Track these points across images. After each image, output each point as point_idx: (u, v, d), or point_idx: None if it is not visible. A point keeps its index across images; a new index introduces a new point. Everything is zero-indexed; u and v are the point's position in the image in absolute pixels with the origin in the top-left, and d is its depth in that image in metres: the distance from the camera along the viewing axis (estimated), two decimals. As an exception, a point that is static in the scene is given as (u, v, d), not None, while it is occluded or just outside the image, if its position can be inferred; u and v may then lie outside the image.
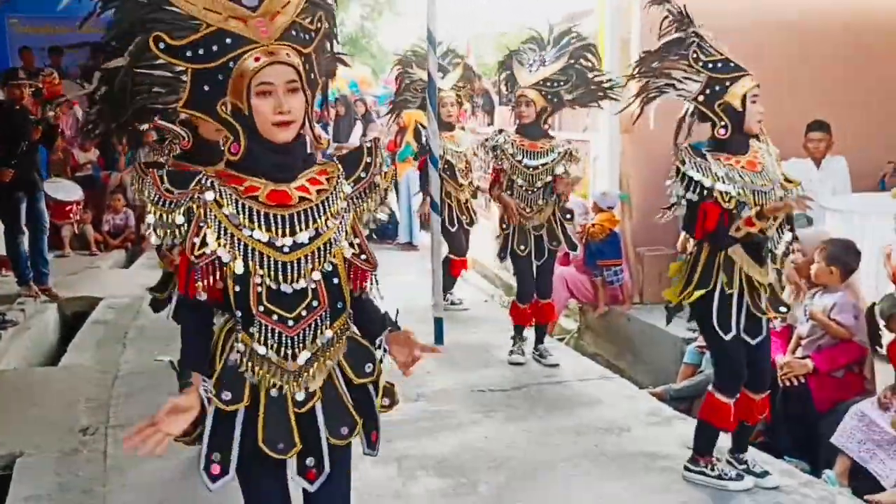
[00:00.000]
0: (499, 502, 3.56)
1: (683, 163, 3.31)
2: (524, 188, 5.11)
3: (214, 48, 1.92)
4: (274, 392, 2.05)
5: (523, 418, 4.52)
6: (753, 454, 3.79)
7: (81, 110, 10.17)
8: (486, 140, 5.27)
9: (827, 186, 6.05)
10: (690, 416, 4.58)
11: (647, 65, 3.52)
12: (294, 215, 2.00)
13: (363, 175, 2.13)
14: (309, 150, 2.10)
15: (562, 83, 5.02)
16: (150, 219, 1.99)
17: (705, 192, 3.28)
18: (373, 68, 19.99)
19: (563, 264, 7.01)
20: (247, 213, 1.97)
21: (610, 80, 5.14)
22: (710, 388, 3.53)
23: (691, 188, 3.29)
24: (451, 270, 6.73)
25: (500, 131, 5.26)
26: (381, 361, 2.23)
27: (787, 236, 3.42)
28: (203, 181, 1.99)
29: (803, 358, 4.54)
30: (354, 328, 2.20)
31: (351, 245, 2.09)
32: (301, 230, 1.99)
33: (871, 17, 6.83)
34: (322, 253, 2.02)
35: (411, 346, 2.20)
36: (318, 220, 2.02)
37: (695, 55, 3.34)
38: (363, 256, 2.12)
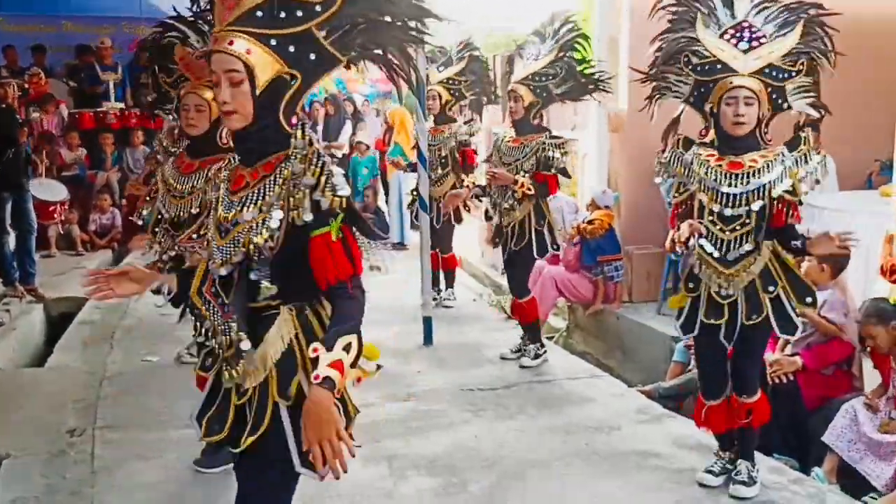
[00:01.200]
0: (490, 501, 3.55)
1: (661, 152, 3.43)
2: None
3: (208, 28, 2.06)
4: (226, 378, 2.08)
5: (513, 417, 4.51)
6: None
7: (67, 109, 10.11)
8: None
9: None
10: (680, 415, 4.60)
11: (650, 70, 3.54)
12: (234, 201, 2.01)
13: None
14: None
15: (550, 77, 4.97)
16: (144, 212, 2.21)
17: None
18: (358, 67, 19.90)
19: (552, 264, 7.02)
20: (219, 195, 2.06)
21: (602, 71, 5.10)
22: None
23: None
24: (441, 265, 6.75)
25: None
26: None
27: (748, 246, 3.30)
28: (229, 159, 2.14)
29: (792, 355, 4.56)
30: (291, 332, 2.01)
31: (271, 237, 1.94)
32: (232, 216, 1.99)
33: (858, 19, 6.86)
34: (236, 242, 1.97)
35: (307, 425, 1.89)
36: (244, 209, 1.97)
37: (685, 58, 3.35)
38: (269, 244, 1.95)
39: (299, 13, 1.89)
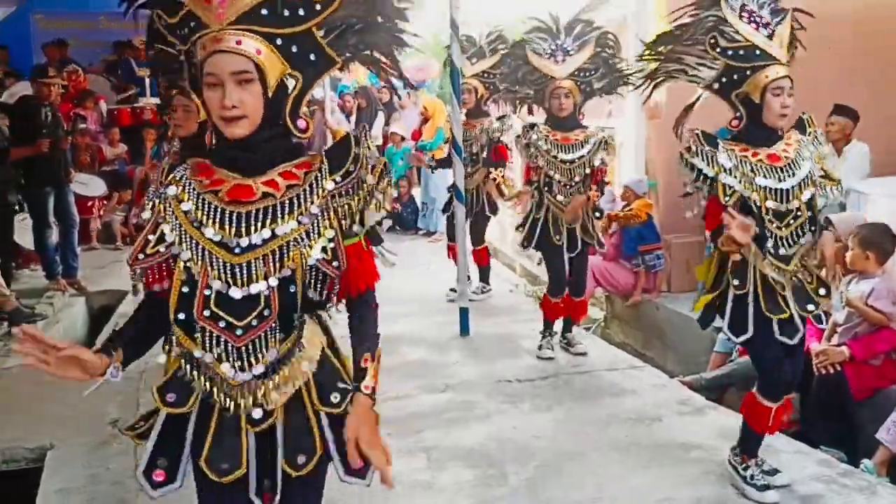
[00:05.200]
0: (529, 493, 3.52)
1: (689, 149, 3.18)
2: (562, 183, 5.01)
3: (186, 30, 1.82)
4: (226, 407, 1.87)
5: (551, 408, 4.47)
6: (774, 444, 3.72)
7: (107, 105, 10.25)
8: (518, 136, 5.17)
9: (846, 173, 5.94)
10: (722, 406, 4.53)
11: (659, 46, 3.36)
12: (251, 213, 1.81)
13: (352, 169, 1.88)
14: (296, 141, 1.90)
15: (592, 72, 4.97)
16: (145, 214, 1.96)
17: (713, 183, 3.14)
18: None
19: (590, 253, 6.95)
20: (203, 208, 1.81)
21: (629, 65, 5.04)
22: (754, 388, 3.34)
23: (700, 178, 3.16)
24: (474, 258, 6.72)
25: (533, 126, 5.10)
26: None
27: (807, 237, 3.20)
28: (177, 174, 1.90)
29: (839, 346, 4.45)
30: (323, 342, 1.97)
31: (323, 249, 1.83)
32: (255, 230, 1.80)
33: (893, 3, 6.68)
34: (277, 257, 1.80)
35: (360, 434, 1.85)
36: (277, 221, 1.81)
37: (713, 40, 3.14)
38: (335, 263, 1.85)
39: (301, 12, 1.80)
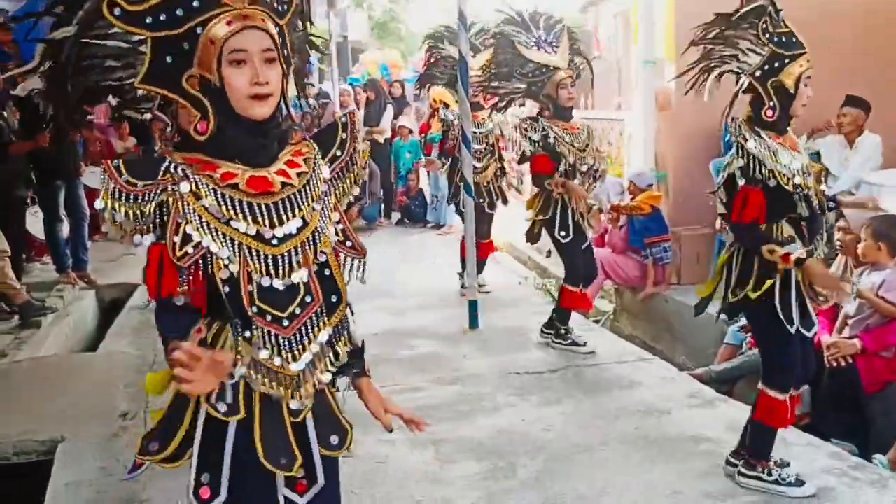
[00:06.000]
0: (538, 485, 3.51)
1: (746, 139, 3.07)
2: (579, 171, 5.03)
3: (179, 12, 1.71)
4: (269, 401, 1.85)
5: (560, 401, 4.46)
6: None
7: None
8: (525, 129, 5.04)
9: (858, 164, 5.90)
10: (732, 399, 4.51)
11: (716, 29, 3.24)
12: (279, 203, 1.81)
13: (339, 153, 1.96)
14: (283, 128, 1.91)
15: (574, 63, 5.07)
16: (107, 215, 1.76)
17: (758, 173, 3.06)
18: (402, 52, 19.92)
19: (598, 245, 6.94)
20: (228, 203, 1.77)
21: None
22: (761, 387, 3.28)
23: (751, 168, 3.05)
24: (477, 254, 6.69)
25: (536, 119, 5.04)
26: (336, 390, 2.02)
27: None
28: (174, 170, 1.77)
29: (851, 338, 4.41)
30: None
31: (336, 232, 1.93)
32: (288, 219, 1.81)
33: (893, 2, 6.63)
34: (312, 242, 1.85)
35: (382, 406, 2.04)
36: (304, 207, 1.83)
37: (764, 25, 3.08)
38: (349, 243, 1.96)
39: (286, 5, 1.85)
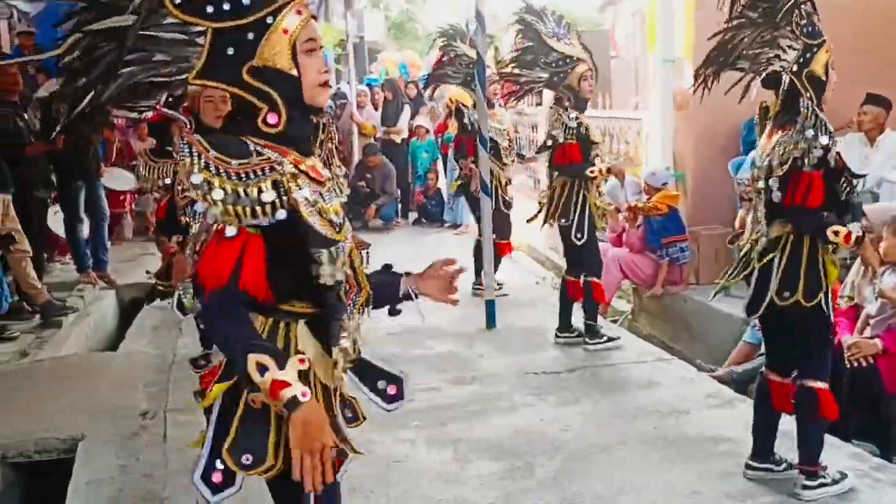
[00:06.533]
0: (555, 486, 3.50)
1: (828, 127, 3.04)
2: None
3: (245, 1, 1.67)
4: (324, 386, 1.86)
5: (578, 401, 4.45)
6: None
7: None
8: (558, 117, 5.03)
9: (880, 162, 5.83)
10: (751, 399, 4.48)
11: (753, 34, 3.16)
12: (329, 192, 1.84)
13: (318, 153, 2.08)
14: None
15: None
16: (216, 194, 1.62)
17: (817, 157, 3.03)
18: (418, 52, 19.92)
19: (616, 245, 6.91)
20: (314, 189, 1.76)
21: None
22: (814, 385, 3.19)
23: (819, 152, 3.02)
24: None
25: (564, 108, 5.05)
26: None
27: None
28: (266, 153, 1.70)
29: (872, 338, 4.36)
30: None
31: None
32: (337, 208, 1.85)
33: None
34: (350, 231, 1.88)
35: (437, 272, 2.07)
36: (340, 197, 1.88)
37: (797, 19, 3.04)
38: None
39: None
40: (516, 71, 5.26)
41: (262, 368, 1.60)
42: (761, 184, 3.21)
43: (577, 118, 5.00)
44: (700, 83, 3.35)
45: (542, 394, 4.56)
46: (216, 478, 1.78)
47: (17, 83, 6.17)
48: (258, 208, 1.65)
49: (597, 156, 5.08)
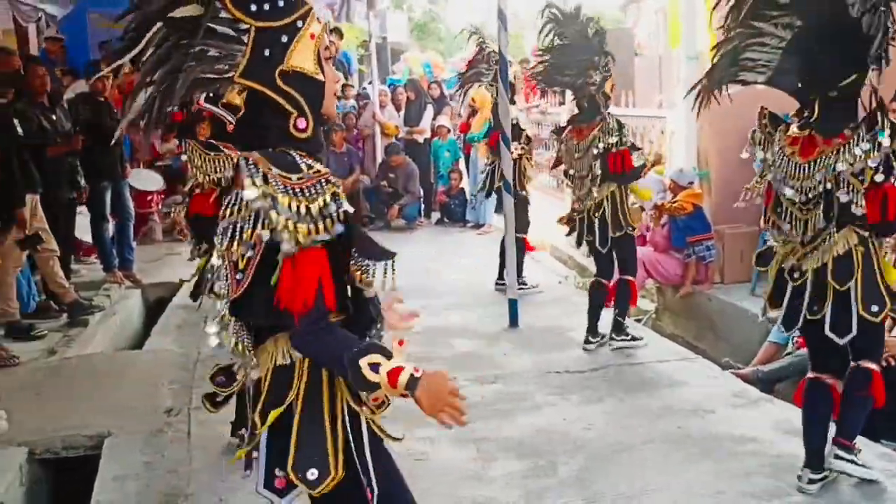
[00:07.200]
0: (578, 484, 3.48)
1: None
2: None
3: (281, 3, 1.69)
4: None
5: (602, 400, 4.43)
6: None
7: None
8: (617, 128, 4.99)
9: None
10: (779, 399, 4.43)
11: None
12: None
13: None
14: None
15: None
16: (283, 211, 1.60)
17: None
18: (441, 52, 19.94)
19: (640, 244, 6.86)
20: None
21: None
22: (870, 366, 3.19)
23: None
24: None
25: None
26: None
27: None
28: (314, 165, 1.72)
29: (900, 337, 4.31)
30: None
31: None
32: None
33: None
34: None
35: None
36: None
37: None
38: None
39: None
40: (548, 71, 5.16)
41: (375, 366, 1.64)
42: (801, 197, 3.10)
43: (623, 124, 5.00)
44: (703, 99, 3.22)
45: (565, 393, 4.54)
46: (279, 483, 1.83)
47: (45, 85, 6.25)
48: (321, 224, 1.65)
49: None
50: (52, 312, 6.16)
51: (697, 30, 6.77)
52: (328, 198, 1.66)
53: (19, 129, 5.67)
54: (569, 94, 7.02)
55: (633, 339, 5.24)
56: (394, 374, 1.64)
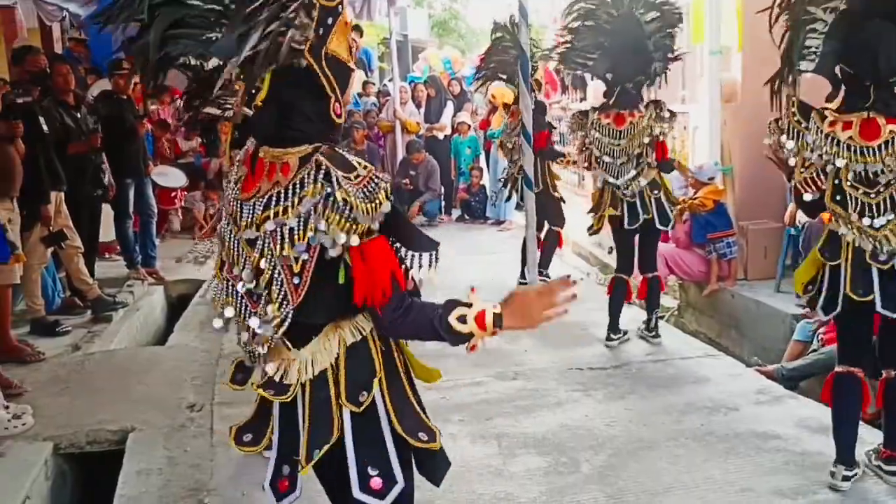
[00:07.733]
0: (601, 481, 3.46)
1: None
2: None
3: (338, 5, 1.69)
4: None
5: (624, 397, 4.40)
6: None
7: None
8: (665, 116, 4.99)
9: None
10: (803, 396, 4.38)
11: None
12: None
13: None
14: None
15: None
16: (356, 215, 1.63)
17: None
18: (461, 49, 19.89)
19: (661, 240, 6.80)
20: None
21: None
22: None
23: None
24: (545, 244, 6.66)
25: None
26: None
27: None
28: (361, 162, 1.75)
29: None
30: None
31: None
32: None
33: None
34: None
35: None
36: None
37: None
38: None
39: None
40: (575, 54, 5.06)
41: (462, 318, 1.71)
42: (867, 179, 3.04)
43: None
44: (779, 85, 3.16)
45: (588, 389, 4.52)
46: (282, 485, 1.90)
47: (69, 83, 6.30)
48: (378, 219, 1.69)
49: None
50: (76, 309, 6.22)
51: (721, 25, 6.69)
52: (383, 196, 1.68)
53: (45, 127, 5.72)
54: (590, 87, 6.97)
55: (657, 335, 5.24)
56: (480, 318, 1.71)
